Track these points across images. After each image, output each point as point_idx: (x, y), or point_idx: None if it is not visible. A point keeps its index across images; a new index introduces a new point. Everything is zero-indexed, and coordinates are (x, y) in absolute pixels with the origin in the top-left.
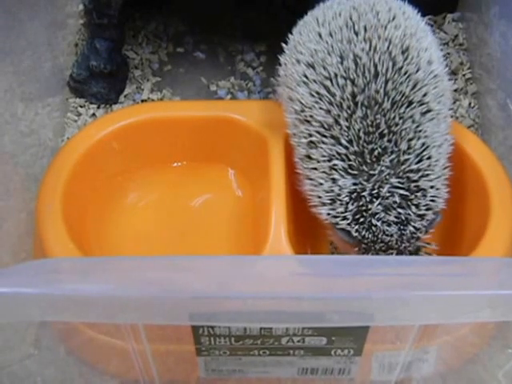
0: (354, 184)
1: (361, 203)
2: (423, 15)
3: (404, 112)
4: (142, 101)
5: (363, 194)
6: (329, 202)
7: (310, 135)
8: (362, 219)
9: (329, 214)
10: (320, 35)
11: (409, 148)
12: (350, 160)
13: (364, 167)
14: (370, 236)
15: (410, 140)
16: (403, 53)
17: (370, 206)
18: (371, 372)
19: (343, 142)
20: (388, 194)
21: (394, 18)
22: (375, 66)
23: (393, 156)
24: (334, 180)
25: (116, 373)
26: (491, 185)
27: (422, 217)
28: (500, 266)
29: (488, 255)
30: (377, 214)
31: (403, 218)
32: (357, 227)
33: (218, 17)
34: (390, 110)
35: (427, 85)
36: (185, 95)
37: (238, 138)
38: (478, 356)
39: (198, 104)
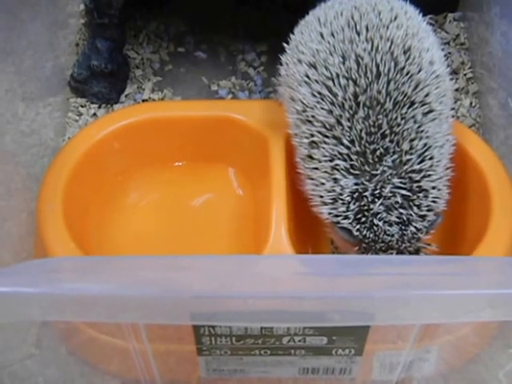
0: (356, 184)
1: (363, 203)
2: (424, 15)
3: (406, 112)
4: (143, 100)
5: (365, 193)
6: (330, 201)
7: (312, 135)
8: (363, 219)
9: (330, 214)
10: (322, 35)
11: (411, 148)
12: (351, 160)
13: (366, 167)
14: (371, 236)
15: (412, 140)
16: (405, 53)
17: (371, 206)
18: (372, 372)
19: (345, 142)
20: (390, 195)
21: (395, 18)
22: (377, 66)
23: (395, 156)
24: (335, 180)
25: (117, 373)
26: (492, 184)
27: (423, 217)
28: (501, 266)
29: (489, 254)
30: (378, 213)
31: (405, 218)
32: (358, 227)
33: (219, 16)
34: (392, 111)
35: (429, 85)
36: (186, 95)
37: (238, 137)
38: (479, 356)
39: (199, 104)
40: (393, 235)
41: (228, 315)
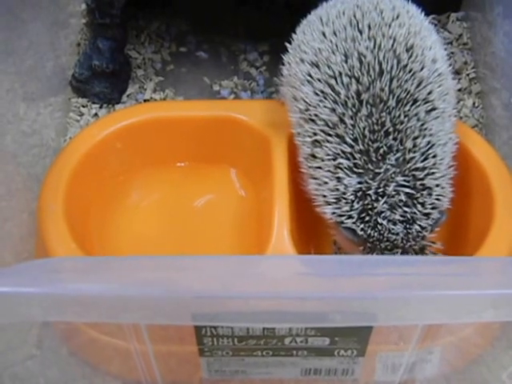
0: (360, 183)
1: (366, 202)
2: (427, 14)
3: (409, 110)
4: (145, 100)
5: (369, 192)
6: (334, 200)
7: (315, 134)
8: (367, 218)
9: (334, 213)
10: (324, 34)
11: (414, 146)
12: (355, 159)
13: (369, 166)
14: (375, 235)
15: (415, 138)
16: (407, 51)
17: (375, 205)
18: (375, 373)
19: (348, 140)
20: (394, 193)
21: (397, 17)
22: (380, 64)
23: (398, 154)
24: (339, 179)
25: (118, 373)
26: (495, 185)
27: (427, 215)
28: (504, 266)
29: (492, 255)
30: (382, 212)
31: (409, 216)
32: (362, 226)
33: (221, 16)
34: (394, 108)
35: (432, 83)
36: (187, 95)
37: (240, 137)
38: (481, 357)
39: (201, 104)
40: (397, 234)
41: (230, 316)
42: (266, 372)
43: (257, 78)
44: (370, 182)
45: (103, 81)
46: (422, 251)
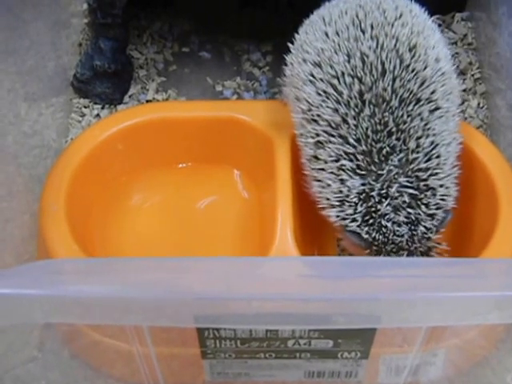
0: (363, 184)
1: (370, 204)
2: (431, 14)
3: (412, 110)
4: (147, 101)
5: (372, 194)
6: (337, 203)
7: (318, 135)
8: (371, 220)
9: (338, 217)
10: (326, 34)
11: (417, 146)
12: (357, 160)
13: (372, 167)
14: (380, 237)
15: (419, 138)
16: (410, 50)
17: (379, 207)
18: (378, 375)
19: (351, 141)
20: (397, 194)
21: (400, 16)
22: (382, 63)
23: (401, 155)
24: (342, 181)
25: (121, 376)
26: (500, 186)
27: (432, 216)
28: (509, 267)
29: (497, 256)
30: (386, 214)
31: (413, 217)
32: (367, 229)
33: (224, 16)
34: (397, 108)
35: (435, 82)
36: (190, 95)
37: (243, 138)
38: (486, 359)
39: (204, 104)
40: (402, 236)
41: (233, 318)
42: (269, 374)
43: (260, 79)
44: (373, 183)
45: (105, 81)
46: (427, 253)
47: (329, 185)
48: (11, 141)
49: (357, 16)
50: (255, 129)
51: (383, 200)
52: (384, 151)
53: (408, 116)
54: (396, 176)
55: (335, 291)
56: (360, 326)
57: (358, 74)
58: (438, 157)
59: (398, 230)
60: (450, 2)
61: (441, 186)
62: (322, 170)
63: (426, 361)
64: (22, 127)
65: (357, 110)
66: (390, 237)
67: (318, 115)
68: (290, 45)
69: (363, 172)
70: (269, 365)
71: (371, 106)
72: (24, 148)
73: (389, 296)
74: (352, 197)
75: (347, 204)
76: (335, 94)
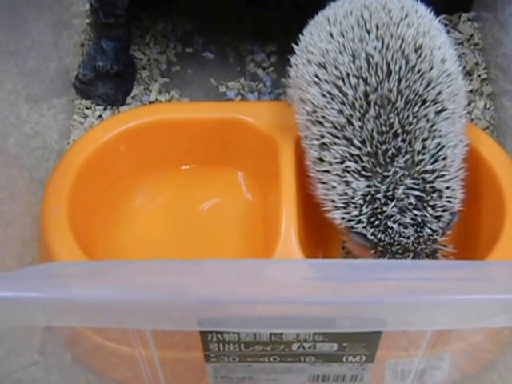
0: (368, 186)
1: (375, 206)
2: (438, 14)
3: (418, 111)
4: (150, 102)
5: (377, 196)
6: (343, 205)
7: (322, 137)
8: (377, 222)
9: (343, 218)
10: (331, 35)
11: (423, 148)
12: (363, 161)
13: (378, 169)
14: (386, 239)
15: (425, 140)
16: (416, 51)
17: (384, 209)
18: (384, 379)
19: (356, 142)
20: (403, 196)
21: (406, 16)
22: (388, 64)
23: (407, 156)
24: (347, 183)
25: (123, 380)
26: (506, 188)
27: (438, 218)
28: None
29: (503, 259)
30: (392, 216)
31: (419, 219)
32: (372, 230)
33: (228, 16)
34: (403, 109)
35: (441, 83)
36: (193, 96)
37: (247, 140)
38: (493, 363)
39: (207, 105)
40: (408, 237)
41: (236, 321)
42: (273, 378)
43: (264, 80)
44: (379, 185)
45: (107, 82)
46: (433, 254)
47: (334, 187)
48: (13, 142)
49: (362, 16)
50: (259, 130)
51: (389, 202)
52: (389, 153)
53: (414, 117)
54: (402, 178)
55: (340, 294)
56: (365, 330)
57: (363, 75)
58: (444, 159)
59: (403, 232)
60: (457, 2)
61: (447, 187)
62: (327, 171)
63: (431, 365)
64: (23, 129)
65: (362, 111)
66: (396, 238)
67: (323, 117)
68: (294, 46)
69: (368, 174)
70: (273, 369)
71: (376, 108)
72: (26, 150)
73: (394, 299)
74: (357, 199)
75: (352, 206)
76: (340, 95)
